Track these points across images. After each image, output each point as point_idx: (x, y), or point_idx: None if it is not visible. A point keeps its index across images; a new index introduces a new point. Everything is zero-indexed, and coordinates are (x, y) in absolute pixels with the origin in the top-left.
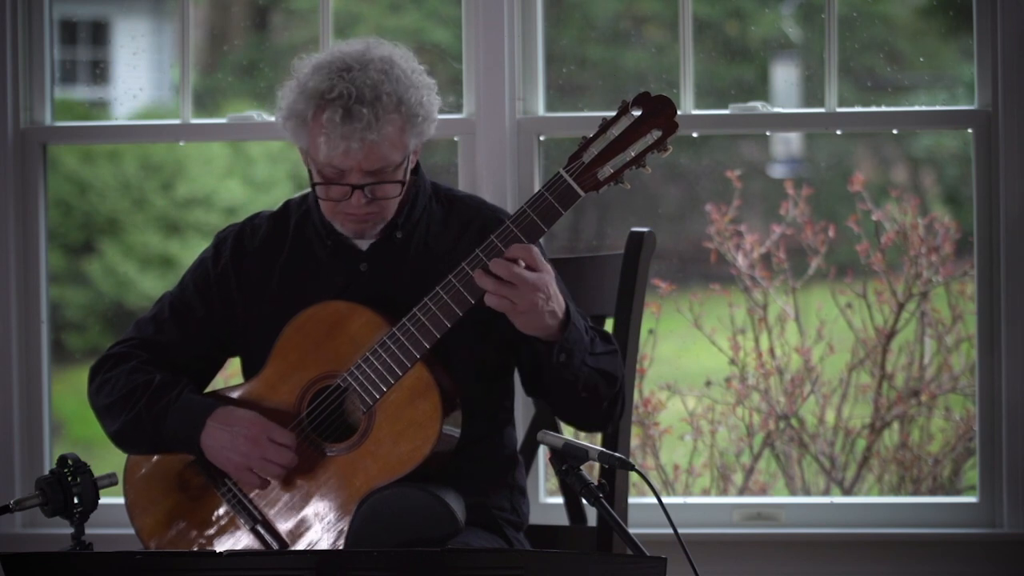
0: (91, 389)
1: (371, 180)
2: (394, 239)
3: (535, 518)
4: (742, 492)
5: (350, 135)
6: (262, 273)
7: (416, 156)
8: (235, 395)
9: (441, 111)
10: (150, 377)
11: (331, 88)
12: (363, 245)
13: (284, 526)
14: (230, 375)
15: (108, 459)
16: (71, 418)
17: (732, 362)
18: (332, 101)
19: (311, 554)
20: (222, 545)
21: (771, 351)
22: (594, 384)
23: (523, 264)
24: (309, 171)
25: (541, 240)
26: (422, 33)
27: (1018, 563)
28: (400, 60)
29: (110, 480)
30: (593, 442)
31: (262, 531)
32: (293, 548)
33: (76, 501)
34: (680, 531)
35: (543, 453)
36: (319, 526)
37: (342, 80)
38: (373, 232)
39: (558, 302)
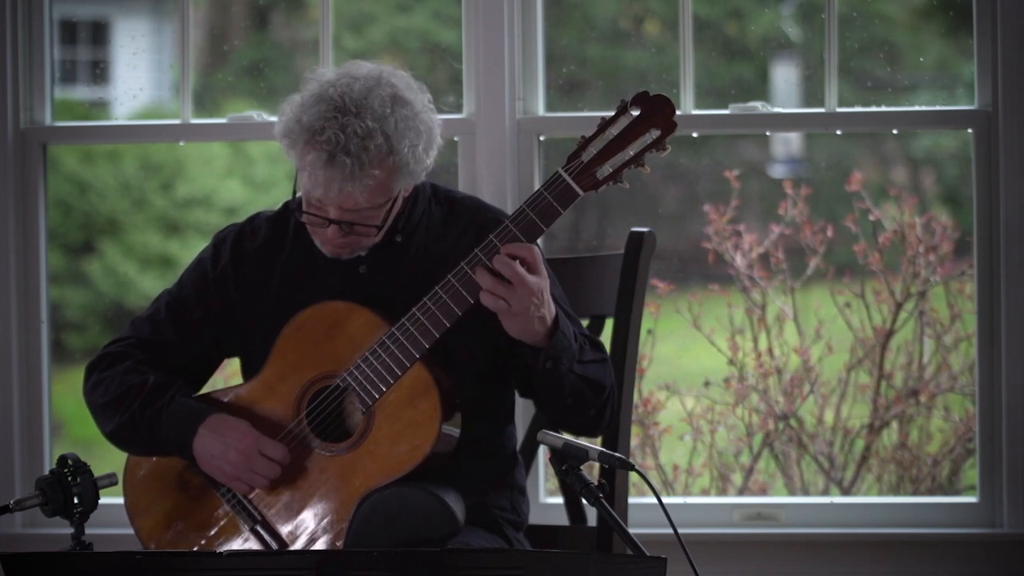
0: (86, 387)
1: (349, 218)
2: (394, 242)
3: (535, 518)
4: (741, 492)
5: (329, 181)
6: (261, 274)
7: (408, 191)
8: (234, 396)
9: (441, 111)
10: (144, 379)
11: (321, 130)
12: (361, 251)
13: (283, 526)
14: (230, 374)
15: (108, 459)
16: (71, 418)
17: (731, 362)
18: (319, 143)
19: (311, 554)
20: (222, 545)
21: (769, 351)
22: (580, 391)
23: (523, 264)
24: (294, 189)
25: (540, 241)
26: (427, 34)
27: (1018, 563)
28: (407, 97)
29: (110, 480)
30: (593, 442)
31: (261, 531)
32: (293, 548)
33: (76, 501)
34: (680, 531)
35: (543, 453)
36: (319, 526)
37: (334, 123)
38: (350, 256)
39: (549, 309)
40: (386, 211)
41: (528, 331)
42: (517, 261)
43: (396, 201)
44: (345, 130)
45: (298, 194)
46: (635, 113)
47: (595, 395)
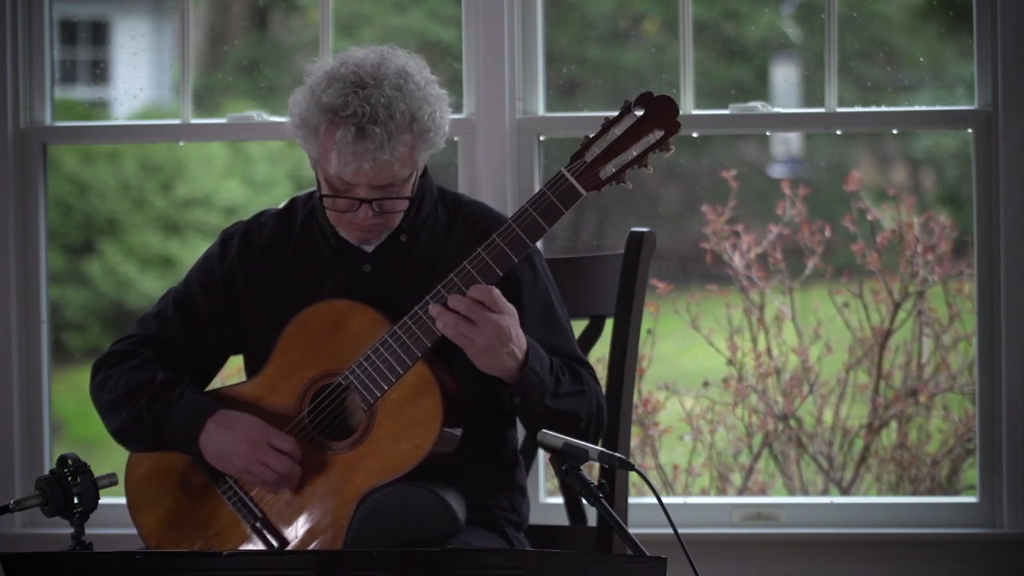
0: (93, 385)
1: (379, 195)
2: (398, 241)
3: (535, 518)
4: (741, 492)
5: (362, 154)
6: (268, 271)
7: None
8: (237, 393)
9: None
10: (152, 375)
11: (345, 105)
12: (368, 246)
13: (284, 525)
14: (227, 375)
15: (108, 459)
16: (71, 418)
17: (730, 362)
18: (345, 119)
19: (311, 554)
20: (223, 544)
21: (768, 351)
22: (553, 424)
23: (484, 306)
24: (317, 179)
25: (539, 242)
26: (425, 33)
27: (1018, 563)
28: (415, 72)
29: (110, 480)
30: (593, 442)
31: (263, 529)
32: (293, 547)
33: (76, 501)
34: (680, 531)
35: (543, 453)
36: (319, 524)
37: (356, 97)
38: (378, 240)
39: (519, 344)
40: (411, 184)
41: (498, 367)
42: (478, 304)
43: (418, 174)
44: (369, 100)
45: (312, 190)
46: (639, 113)
47: (569, 427)
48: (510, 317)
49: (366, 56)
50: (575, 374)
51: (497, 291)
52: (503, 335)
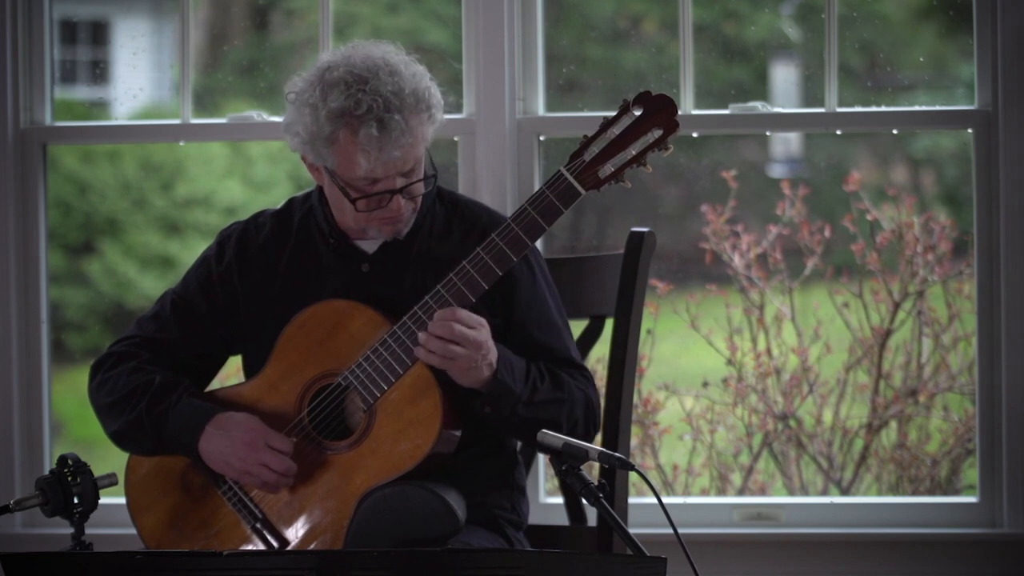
0: (91, 387)
1: (405, 181)
2: (396, 240)
3: (535, 518)
4: (741, 492)
5: (389, 145)
6: (265, 271)
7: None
8: (236, 394)
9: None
10: (150, 378)
11: (357, 104)
12: (366, 246)
13: (285, 525)
14: (227, 376)
15: (108, 459)
16: (71, 418)
17: (729, 362)
18: (362, 117)
19: (311, 554)
20: (223, 544)
21: (768, 351)
22: (528, 432)
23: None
24: (341, 188)
25: (539, 242)
26: (420, 33)
27: (1018, 563)
28: (394, 56)
29: (110, 480)
30: (593, 442)
31: (263, 530)
32: (293, 547)
33: (76, 501)
34: (680, 531)
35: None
36: (319, 524)
37: (364, 93)
38: (407, 230)
39: (493, 354)
40: (424, 163)
41: (474, 380)
42: (456, 323)
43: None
44: (378, 92)
45: (310, 190)
46: (637, 113)
47: None
48: (485, 330)
49: (344, 55)
50: (556, 381)
51: (461, 310)
52: (483, 350)
